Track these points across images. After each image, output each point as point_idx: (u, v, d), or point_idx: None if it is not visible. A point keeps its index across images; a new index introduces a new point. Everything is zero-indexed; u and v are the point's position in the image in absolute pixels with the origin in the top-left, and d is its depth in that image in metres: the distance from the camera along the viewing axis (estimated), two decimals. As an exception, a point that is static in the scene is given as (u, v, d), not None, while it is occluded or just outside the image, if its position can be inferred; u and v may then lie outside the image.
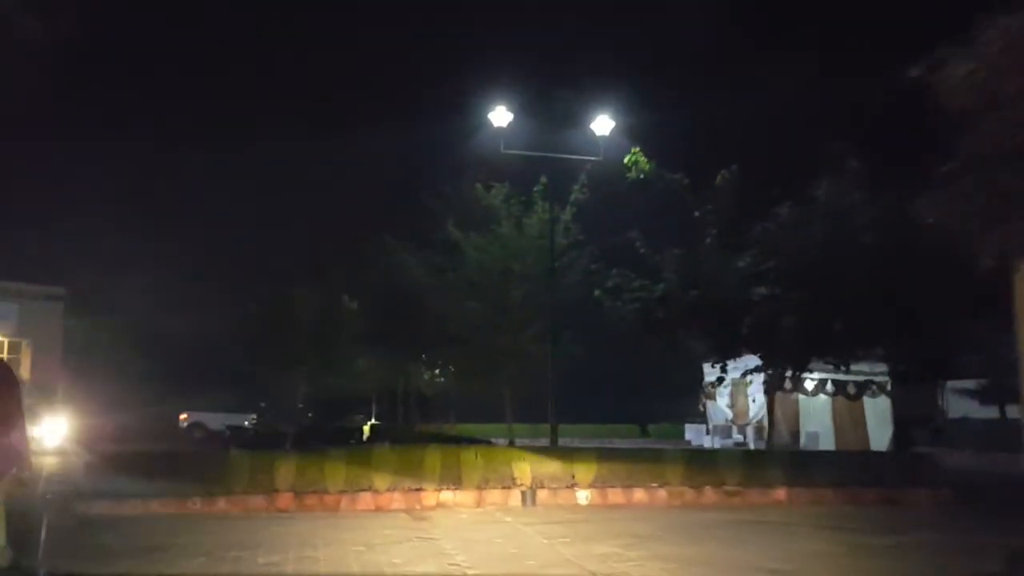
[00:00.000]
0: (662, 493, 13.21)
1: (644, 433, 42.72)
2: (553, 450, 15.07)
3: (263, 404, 33.89)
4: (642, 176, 14.42)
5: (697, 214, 14.57)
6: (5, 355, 36.67)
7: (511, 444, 16.56)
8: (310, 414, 33.25)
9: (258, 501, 11.66)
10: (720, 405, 36.80)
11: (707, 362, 36.53)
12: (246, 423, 34.79)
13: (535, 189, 16.32)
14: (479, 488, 12.35)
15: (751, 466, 14.08)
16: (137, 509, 11.23)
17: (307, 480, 12.02)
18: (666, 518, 11.48)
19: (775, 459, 15.47)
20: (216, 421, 34.19)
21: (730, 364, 30.13)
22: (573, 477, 12.87)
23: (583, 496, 12.73)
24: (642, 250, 14.78)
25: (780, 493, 13.64)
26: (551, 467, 13.07)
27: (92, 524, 10.12)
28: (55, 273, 37.57)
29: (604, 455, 13.57)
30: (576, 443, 19.84)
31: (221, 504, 11.52)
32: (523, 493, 12.41)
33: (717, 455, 15.96)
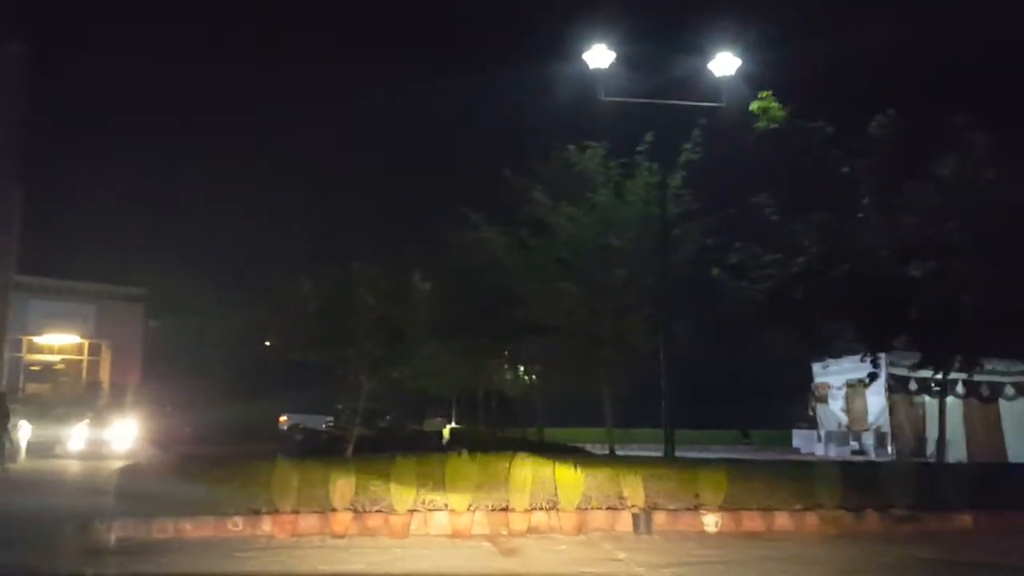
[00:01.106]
0: (811, 518, 10.54)
1: (745, 439, 39.34)
2: (669, 462, 12.48)
3: (339, 405, 32.55)
4: (773, 126, 11.70)
5: (846, 171, 11.72)
6: (85, 357, 36.55)
7: (611, 453, 14.03)
8: (388, 416, 31.62)
9: (310, 522, 9.58)
10: (833, 409, 33.31)
11: (818, 361, 33.24)
12: (323, 425, 33.60)
13: (639, 149, 13.75)
14: (580, 509, 9.94)
15: (918, 483, 11.16)
16: (167, 532, 9.29)
17: (370, 495, 9.85)
18: (829, 555, 8.82)
19: (945, 474, 12.46)
20: (316, 422, 33.30)
21: (831, 364, 26.68)
22: (697, 497, 10.29)
23: (711, 521, 10.17)
24: (774, 217, 12.03)
25: (965, 519, 10.76)
26: (668, 484, 10.56)
27: (106, 554, 8.17)
28: (136, 273, 37.14)
29: (734, 469, 10.90)
30: (652, 451, 17.20)
31: (266, 526, 9.47)
32: (635, 517, 9.95)
33: (879, 469, 13.01)
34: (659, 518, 10.04)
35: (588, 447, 17.88)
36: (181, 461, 19.54)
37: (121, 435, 23.66)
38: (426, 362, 13.86)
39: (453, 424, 36.50)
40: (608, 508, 10.08)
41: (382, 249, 13.10)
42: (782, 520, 10.51)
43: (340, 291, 12.72)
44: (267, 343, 13.73)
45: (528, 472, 10.01)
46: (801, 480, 11.29)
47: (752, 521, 10.40)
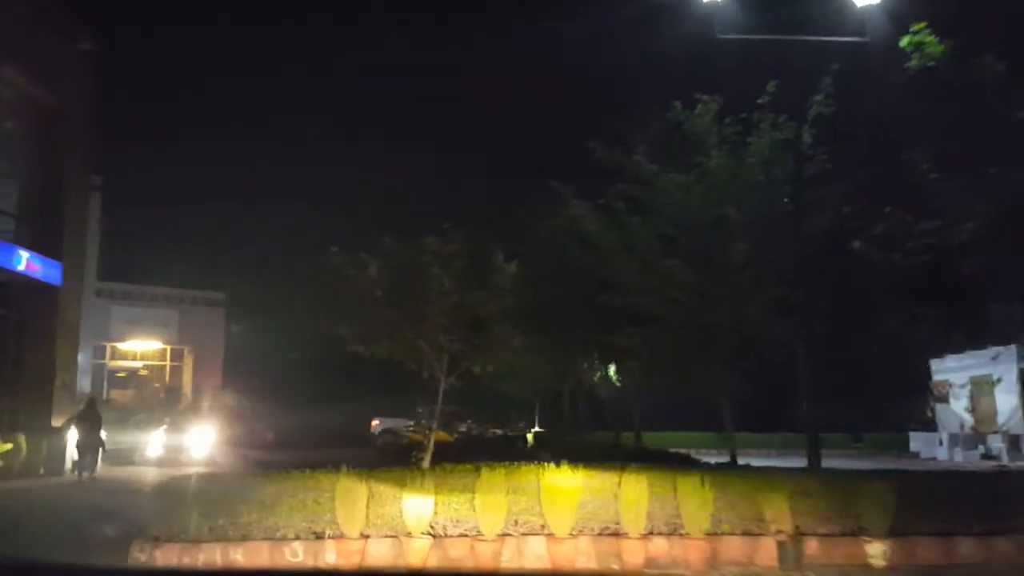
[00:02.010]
0: (1002, 545, 8.35)
1: (857, 443, 36.21)
2: (815, 475, 10.33)
3: (419, 408, 31.34)
4: (929, 65, 9.46)
5: (1024, 116, 9.40)
6: (168, 361, 36.46)
7: (733, 463, 11.92)
8: (468, 421, 30.09)
9: (381, 550, 8.00)
10: (956, 409, 30.21)
11: (935, 357, 30.03)
12: (404, 429, 32.49)
13: (759, 101, 11.60)
14: (710, 535, 8.01)
15: None
16: (214, 561, 7.74)
17: (451, 515, 8.14)
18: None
19: None
20: (402, 427, 32.22)
21: (950, 359, 23.42)
22: (857, 519, 8.21)
23: (877, 552, 8.10)
24: (932, 176, 9.78)
25: None
26: (819, 503, 8.49)
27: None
28: (215, 278, 36.94)
29: (899, 482, 8.73)
30: (770, 460, 14.81)
31: (329, 554, 7.85)
32: (781, 546, 7.97)
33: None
34: (811, 547, 8.07)
35: (692, 454, 15.84)
36: (250, 470, 18.42)
37: (199, 441, 22.89)
38: (514, 357, 12.03)
39: (537, 428, 34.78)
40: (744, 534, 8.15)
41: (459, 226, 11.28)
42: (965, 548, 8.36)
43: (411, 272, 11.03)
44: (338, 336, 12.14)
45: (643, 487, 8.14)
46: (972, 495, 9.07)
47: (928, 550, 8.30)
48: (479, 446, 18.74)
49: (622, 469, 8.56)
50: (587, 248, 12.51)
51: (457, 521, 8.21)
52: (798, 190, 11.23)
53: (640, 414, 21.17)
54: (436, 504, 8.25)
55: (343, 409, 35.14)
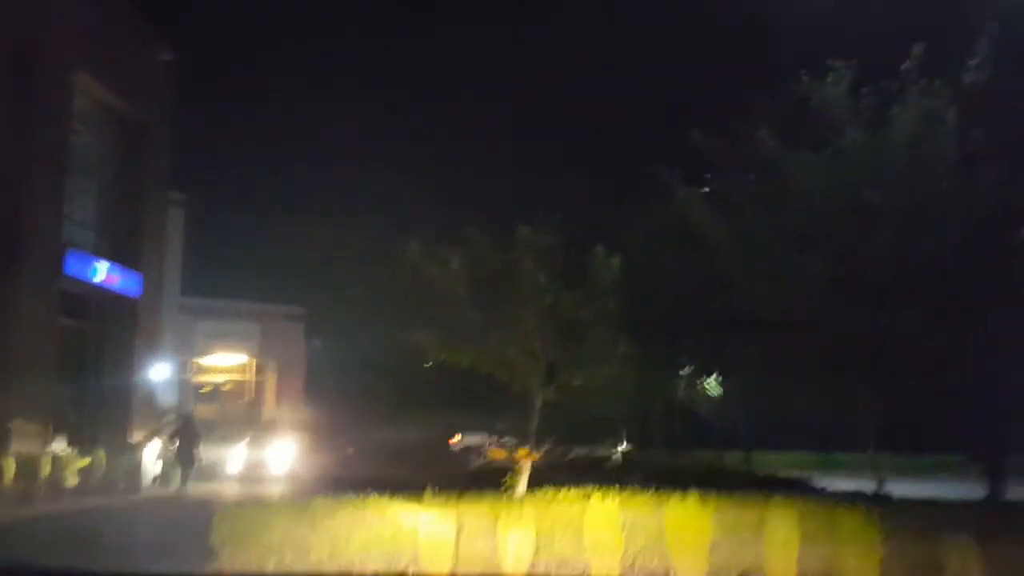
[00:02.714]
0: None
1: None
2: (1007, 511, 8.48)
3: (498, 424, 30.12)
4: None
5: None
6: (251, 376, 36.36)
7: (878, 496, 10.05)
8: (551, 437, 28.57)
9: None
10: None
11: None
12: (486, 445, 31.37)
13: (904, 67, 9.90)
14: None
15: None
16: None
17: (556, 551, 6.81)
18: None
19: None
20: (484, 443, 31.19)
21: None
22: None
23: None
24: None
25: None
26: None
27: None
28: (296, 293, 36.69)
29: None
30: (925, 488, 12.73)
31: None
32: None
33: None
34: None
35: (809, 480, 14.02)
36: (329, 487, 17.44)
37: (280, 456, 22.24)
38: (619, 368, 10.53)
39: (624, 447, 33.05)
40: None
41: (552, 217, 9.90)
42: None
43: (500, 268, 9.72)
44: (419, 348, 10.99)
45: (792, 524, 6.59)
46: None
47: None
48: (563, 467, 17.40)
49: (766, 501, 7.02)
50: (696, 243, 11.00)
51: (563, 561, 6.85)
52: (955, 170, 9.48)
53: (749, 433, 19.27)
54: (537, 539, 6.92)
55: (422, 424, 34.32)
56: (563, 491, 8.04)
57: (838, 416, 15.69)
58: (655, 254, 12.21)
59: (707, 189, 11.16)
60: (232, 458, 21.71)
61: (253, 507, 8.25)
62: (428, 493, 7.45)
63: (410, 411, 35.36)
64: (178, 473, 19.11)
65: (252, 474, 21.26)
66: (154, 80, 20.84)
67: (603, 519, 6.89)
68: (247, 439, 22.97)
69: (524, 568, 6.72)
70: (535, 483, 9.84)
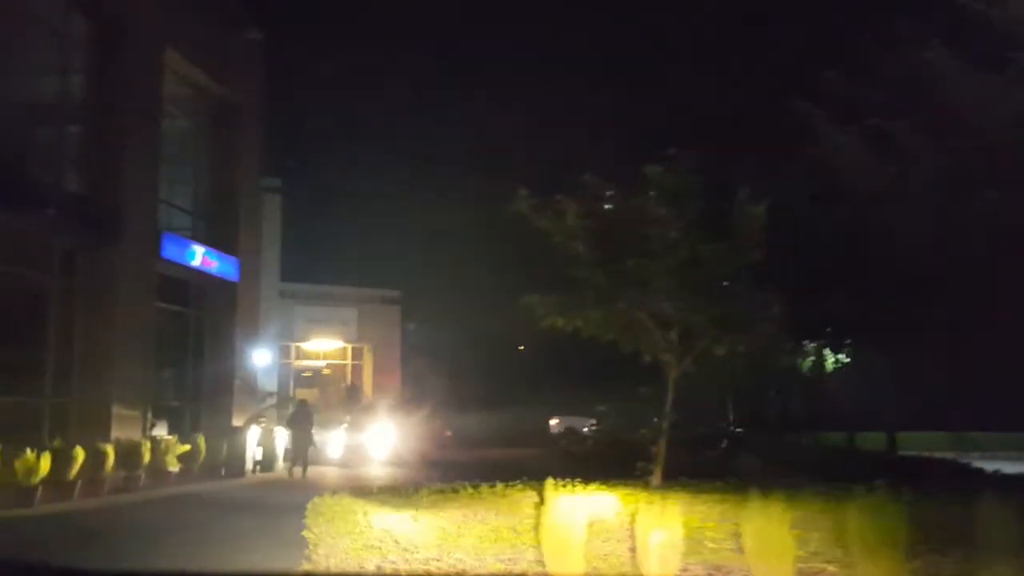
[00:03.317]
0: None
1: None
2: None
3: (601, 407, 29.00)
4: None
5: None
6: (349, 360, 36.33)
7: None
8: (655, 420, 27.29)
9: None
10: None
11: None
12: (585, 429, 30.36)
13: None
14: None
15: None
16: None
17: (708, 554, 5.61)
18: None
19: None
20: (581, 426, 30.35)
21: None
22: None
23: None
24: None
25: None
26: None
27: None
28: (391, 276, 36.36)
29: None
30: None
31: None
32: None
33: None
34: None
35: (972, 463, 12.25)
36: (429, 471, 16.71)
37: (380, 440, 21.75)
38: (773, 332, 9.02)
39: (732, 427, 31.21)
40: None
41: (686, 155, 8.47)
42: None
43: (623, 216, 8.34)
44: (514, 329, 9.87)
45: None
46: None
47: None
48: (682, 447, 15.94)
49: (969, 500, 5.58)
50: (847, 188, 9.43)
51: (717, 566, 5.62)
52: None
53: (895, 410, 17.19)
54: (686, 537, 5.70)
55: (519, 407, 33.53)
56: (705, 483, 6.81)
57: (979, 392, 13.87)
58: (798, 202, 10.62)
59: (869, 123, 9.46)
60: (332, 442, 21.30)
61: (351, 497, 7.34)
62: (550, 482, 6.34)
63: (507, 393, 34.71)
64: (279, 459, 18.85)
65: (353, 458, 20.83)
66: (243, 60, 20.42)
67: (767, 519, 5.60)
68: (346, 423, 22.56)
69: (671, 573, 5.52)
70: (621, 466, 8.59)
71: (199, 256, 17.82)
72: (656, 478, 8.81)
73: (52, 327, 14.09)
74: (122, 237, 14.95)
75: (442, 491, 7.74)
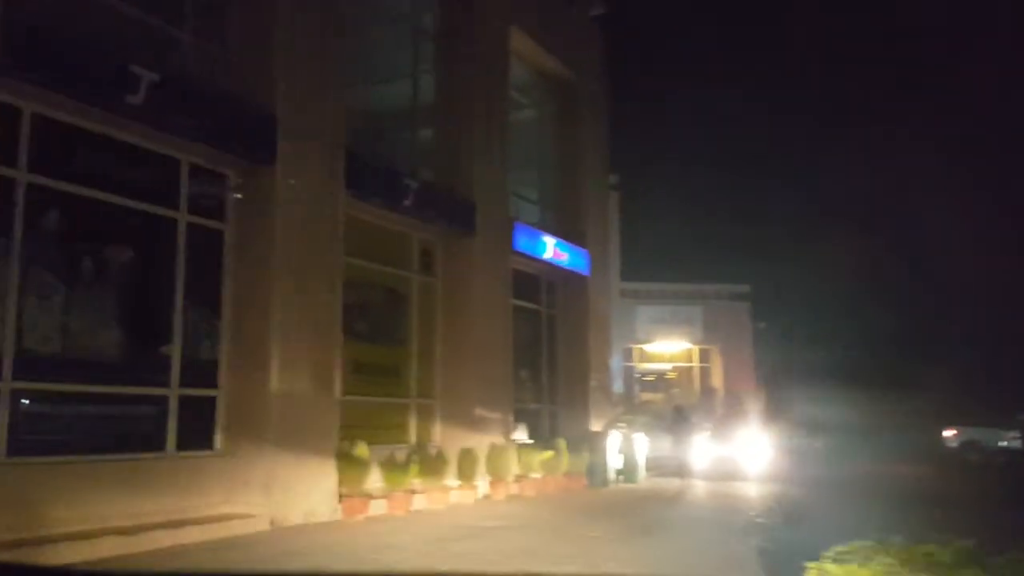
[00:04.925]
0: None
1: None
2: None
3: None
4: None
5: None
6: (695, 362, 33.81)
7: None
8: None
9: None
10: None
11: None
12: (1003, 443, 24.65)
13: None
14: None
15: None
16: None
17: None
18: None
19: None
20: (990, 439, 25.15)
21: None
22: None
23: None
24: None
25: None
26: None
27: None
28: (737, 270, 33.28)
29: None
30: None
31: None
32: None
33: None
34: None
35: None
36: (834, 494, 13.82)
37: (751, 452, 18.87)
38: None
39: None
40: None
41: None
42: None
43: None
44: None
45: None
46: None
47: None
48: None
49: None
50: None
51: None
52: None
53: None
54: None
55: (891, 415, 28.56)
56: None
57: None
58: None
59: None
60: (693, 451, 18.88)
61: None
62: None
63: (881, 397, 29.59)
64: (641, 468, 17.01)
65: (721, 471, 18.28)
66: (586, 39, 19.10)
67: None
68: (708, 431, 20.04)
69: None
70: None
71: (550, 248, 16.61)
72: None
73: (414, 325, 13.53)
74: (478, 230, 14.08)
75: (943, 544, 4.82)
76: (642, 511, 12.33)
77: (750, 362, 33.07)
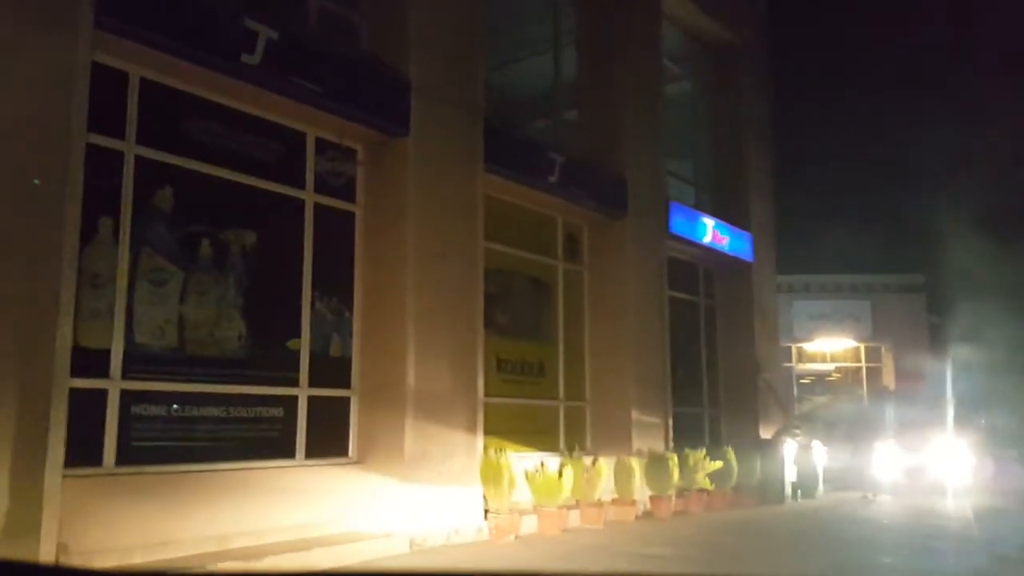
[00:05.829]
0: None
1: None
2: None
3: None
4: None
5: None
6: (863, 363, 30.55)
7: None
8: None
9: None
10: None
11: None
12: None
13: None
14: None
15: None
16: None
17: None
18: None
19: None
20: None
21: None
22: None
23: None
24: None
25: None
26: None
27: None
28: (907, 258, 29.75)
29: None
30: None
31: None
32: None
33: None
34: None
35: None
36: None
37: (949, 466, 16.22)
38: None
39: None
40: None
41: None
42: None
43: None
44: None
45: None
46: None
47: None
48: None
49: None
50: None
51: None
52: None
53: None
54: None
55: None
56: None
57: None
58: None
59: None
60: (875, 462, 16.38)
61: None
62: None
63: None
64: (820, 481, 14.90)
65: (911, 485, 15.78)
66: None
67: None
68: (890, 439, 17.45)
69: None
70: None
71: (709, 231, 14.72)
72: None
73: (559, 318, 12.08)
74: (630, 210, 12.47)
75: None
76: (844, 535, 10.32)
77: (926, 362, 29.45)
